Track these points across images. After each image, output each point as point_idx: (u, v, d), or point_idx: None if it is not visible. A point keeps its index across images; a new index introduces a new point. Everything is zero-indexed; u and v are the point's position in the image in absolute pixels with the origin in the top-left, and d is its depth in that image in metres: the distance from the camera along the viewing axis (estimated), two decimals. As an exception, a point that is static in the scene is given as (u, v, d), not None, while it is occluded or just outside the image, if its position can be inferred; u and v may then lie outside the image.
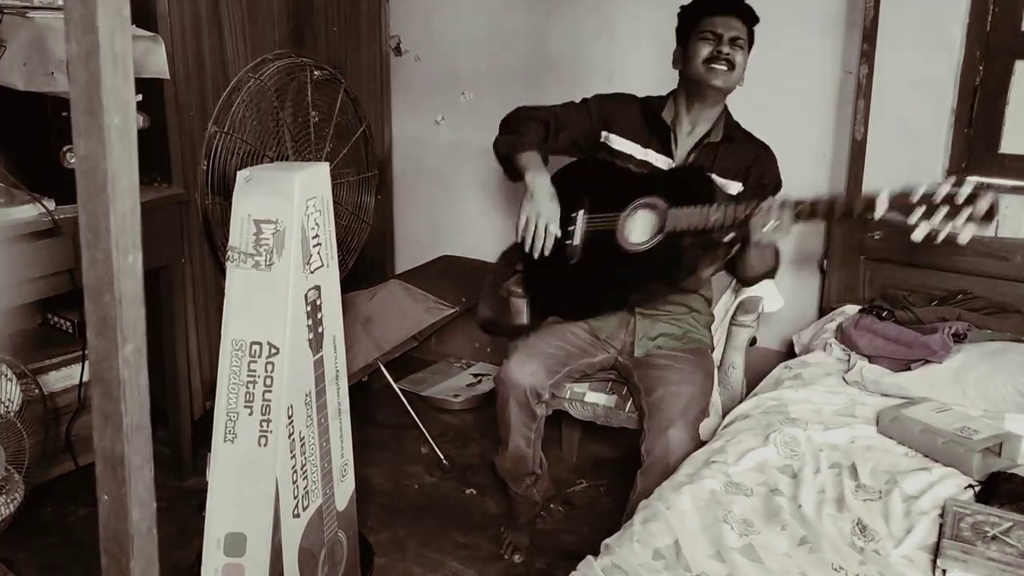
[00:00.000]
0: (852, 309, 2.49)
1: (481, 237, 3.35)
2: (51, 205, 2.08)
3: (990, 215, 1.61)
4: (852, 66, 2.56)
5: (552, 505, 2.59)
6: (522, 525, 2.40)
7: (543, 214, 2.15)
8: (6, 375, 2.22)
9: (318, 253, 1.76)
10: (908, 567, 1.44)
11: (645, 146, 2.26)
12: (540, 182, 2.18)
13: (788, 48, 2.68)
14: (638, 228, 2.13)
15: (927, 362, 2.12)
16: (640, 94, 3.09)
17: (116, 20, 0.65)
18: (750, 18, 2.18)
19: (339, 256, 2.19)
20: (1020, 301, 2.37)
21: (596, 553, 1.53)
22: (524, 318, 2.43)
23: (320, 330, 1.80)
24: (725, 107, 2.25)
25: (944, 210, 1.64)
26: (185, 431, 2.65)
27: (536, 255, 2.17)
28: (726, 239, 2.02)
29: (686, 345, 2.26)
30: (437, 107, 3.36)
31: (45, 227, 2.06)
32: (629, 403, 2.27)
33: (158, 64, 2.29)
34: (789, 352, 2.62)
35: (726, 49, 2.14)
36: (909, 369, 2.12)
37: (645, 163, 2.26)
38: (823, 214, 1.89)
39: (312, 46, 2.96)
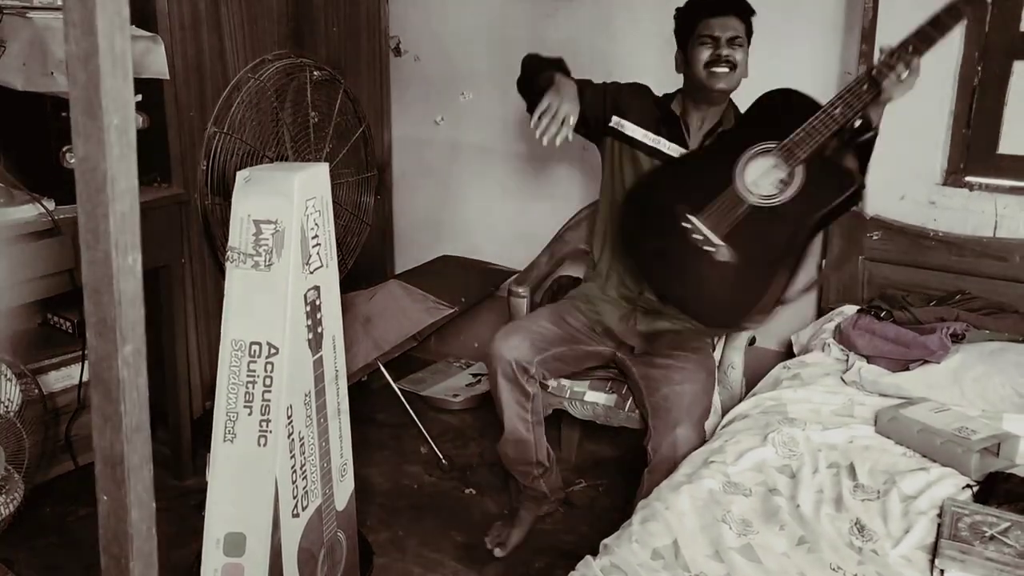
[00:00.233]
0: (851, 309, 2.49)
1: (481, 237, 3.35)
2: (51, 205, 2.08)
3: None
4: (851, 67, 2.56)
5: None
6: (521, 521, 2.38)
7: (564, 104, 2.07)
8: (6, 375, 2.22)
9: (317, 253, 1.76)
10: (906, 567, 1.44)
11: (657, 134, 2.28)
12: (567, 82, 2.16)
13: (787, 48, 2.68)
14: (762, 183, 2.03)
15: (925, 362, 2.12)
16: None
17: (115, 21, 0.65)
18: (746, 13, 2.18)
19: (339, 256, 2.19)
20: (1018, 301, 2.37)
21: (595, 553, 1.53)
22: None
23: (319, 330, 1.80)
24: (731, 104, 2.27)
25: None
26: (184, 431, 2.65)
27: (545, 141, 2.08)
28: (859, 126, 1.99)
29: (687, 343, 2.27)
30: (436, 107, 3.36)
31: (45, 227, 2.06)
32: (629, 402, 2.28)
33: (157, 64, 2.29)
34: (788, 352, 2.62)
35: (725, 52, 2.15)
36: (907, 369, 2.13)
37: (657, 151, 2.27)
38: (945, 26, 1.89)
39: (311, 46, 2.96)
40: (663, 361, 2.20)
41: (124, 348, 0.70)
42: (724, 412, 2.18)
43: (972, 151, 2.57)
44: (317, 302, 1.78)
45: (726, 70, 2.16)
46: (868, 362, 2.21)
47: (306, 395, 1.78)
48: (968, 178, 2.56)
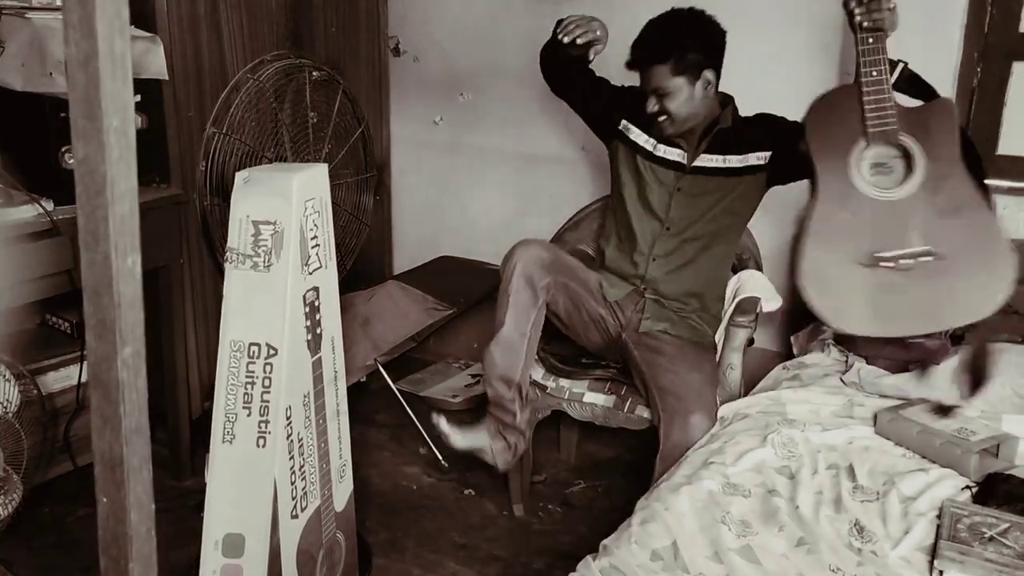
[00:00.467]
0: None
1: (479, 238, 3.35)
2: (49, 206, 2.08)
3: None
4: (850, 67, 2.56)
5: (550, 505, 2.59)
6: (479, 440, 2.26)
7: (596, 20, 2.21)
8: (4, 376, 2.22)
9: (316, 254, 1.76)
10: (905, 568, 1.44)
11: (659, 141, 2.31)
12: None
13: (786, 49, 2.68)
14: (884, 180, 1.97)
15: (925, 363, 2.12)
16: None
17: (115, 23, 0.65)
18: (676, 55, 2.15)
19: (337, 257, 2.19)
20: (1018, 302, 2.37)
21: (594, 553, 1.53)
22: None
23: (318, 331, 1.80)
24: (720, 101, 2.28)
25: None
26: (183, 432, 2.65)
27: (567, 39, 2.18)
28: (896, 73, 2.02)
29: (691, 336, 2.30)
30: (435, 108, 3.36)
31: (43, 228, 2.06)
32: (628, 403, 2.28)
33: (156, 65, 2.29)
34: (787, 353, 2.62)
35: (651, 108, 2.21)
36: (907, 370, 2.13)
37: (663, 159, 2.31)
38: None
39: (310, 47, 2.96)
40: (668, 349, 2.21)
41: (123, 350, 0.70)
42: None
43: (971, 152, 2.57)
44: (316, 303, 1.78)
45: (664, 119, 2.21)
46: (867, 363, 2.21)
47: (305, 396, 1.78)
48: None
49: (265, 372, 1.69)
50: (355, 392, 3.10)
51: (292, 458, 1.75)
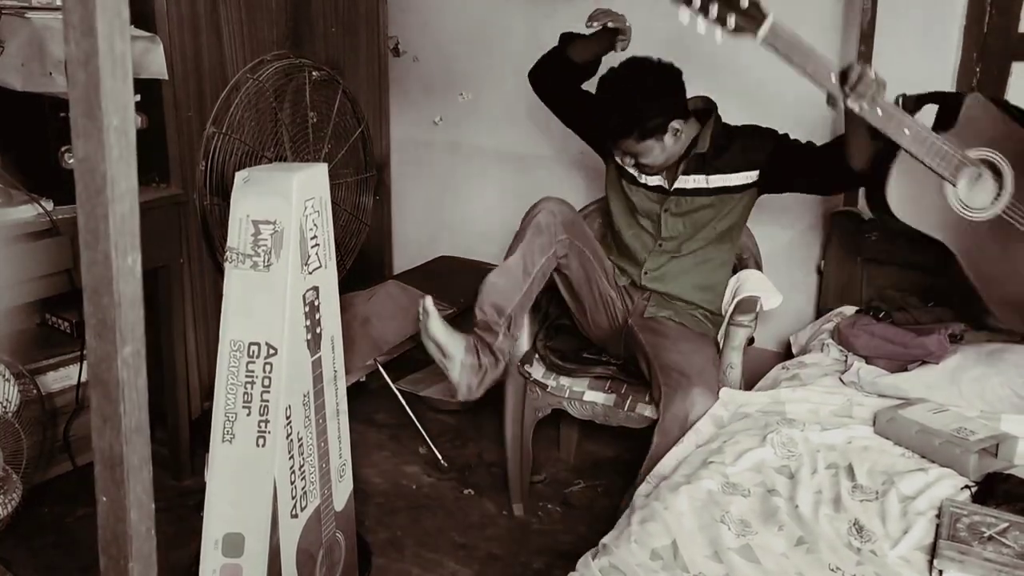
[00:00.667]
0: (850, 310, 2.49)
1: (479, 238, 3.35)
2: (49, 205, 2.08)
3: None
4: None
5: (550, 505, 2.59)
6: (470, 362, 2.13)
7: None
8: (4, 375, 2.22)
9: (316, 254, 1.76)
10: (905, 567, 1.44)
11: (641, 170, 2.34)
12: None
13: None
14: (977, 198, 1.97)
15: (924, 363, 2.12)
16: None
17: (115, 23, 0.65)
18: (637, 127, 2.16)
19: (337, 256, 2.19)
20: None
21: (595, 549, 1.53)
22: (525, 343, 2.45)
23: (318, 331, 1.80)
24: (703, 124, 2.28)
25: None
26: (183, 431, 2.65)
27: (597, 24, 2.27)
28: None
29: (695, 327, 2.33)
30: (435, 108, 3.36)
31: (43, 227, 2.06)
32: (628, 402, 2.27)
33: (156, 64, 2.29)
34: (786, 353, 2.62)
35: (630, 169, 2.27)
36: (906, 370, 2.13)
37: (646, 184, 2.33)
38: None
39: (310, 47, 2.96)
40: (671, 333, 2.24)
41: (123, 349, 0.70)
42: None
43: (970, 152, 2.57)
44: (316, 303, 1.78)
45: (643, 169, 2.26)
46: (866, 362, 2.21)
47: (305, 396, 1.78)
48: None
49: (265, 372, 1.69)
50: (355, 392, 3.10)
51: (292, 457, 1.75)
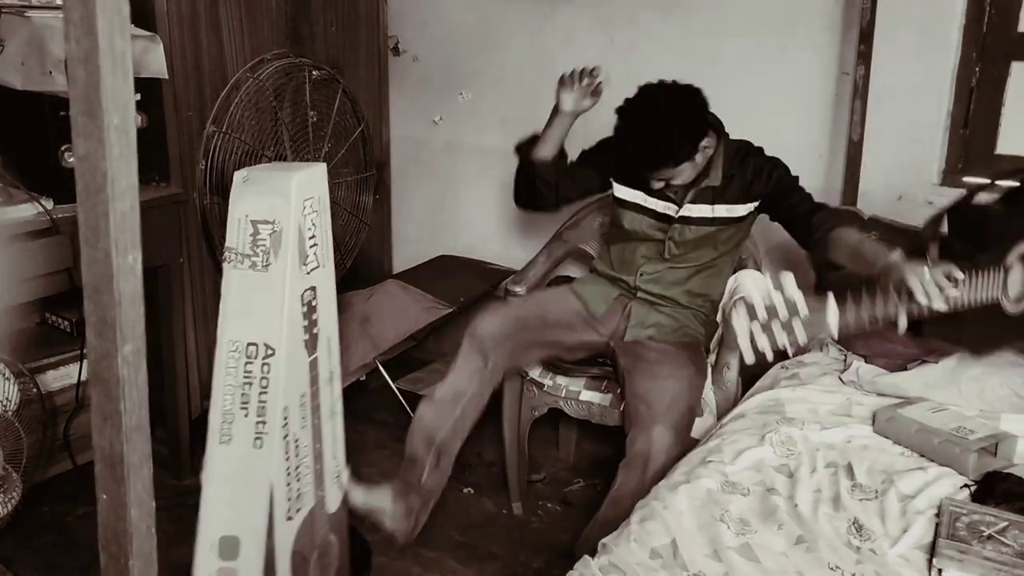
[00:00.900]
0: (849, 309, 2.49)
1: (479, 237, 3.35)
2: (49, 204, 2.08)
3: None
4: (849, 67, 2.56)
5: (549, 504, 2.60)
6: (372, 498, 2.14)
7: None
8: (4, 374, 2.22)
9: (315, 253, 1.76)
10: (904, 566, 1.44)
11: (647, 193, 2.31)
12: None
13: (785, 49, 2.68)
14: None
15: (923, 362, 2.12)
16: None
17: (115, 21, 0.65)
18: (671, 157, 2.14)
19: (337, 256, 2.20)
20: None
21: (593, 552, 1.53)
22: None
23: (315, 331, 1.79)
24: (717, 147, 2.26)
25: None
26: (183, 430, 2.65)
27: (585, 81, 2.24)
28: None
29: (679, 338, 2.27)
30: (435, 107, 3.36)
31: (43, 226, 2.06)
32: (624, 402, 2.28)
33: (156, 64, 2.29)
34: (786, 352, 2.61)
35: (659, 186, 2.22)
36: (905, 369, 2.13)
37: (653, 211, 2.31)
38: None
39: (310, 46, 2.96)
40: (651, 355, 2.18)
41: (124, 347, 0.70)
42: (721, 413, 2.18)
43: (970, 151, 2.57)
44: (314, 303, 1.77)
45: (675, 186, 2.22)
46: (865, 361, 2.21)
47: (302, 397, 1.77)
48: (966, 178, 2.56)
49: (263, 372, 1.68)
50: (354, 390, 3.10)
51: (288, 459, 1.74)
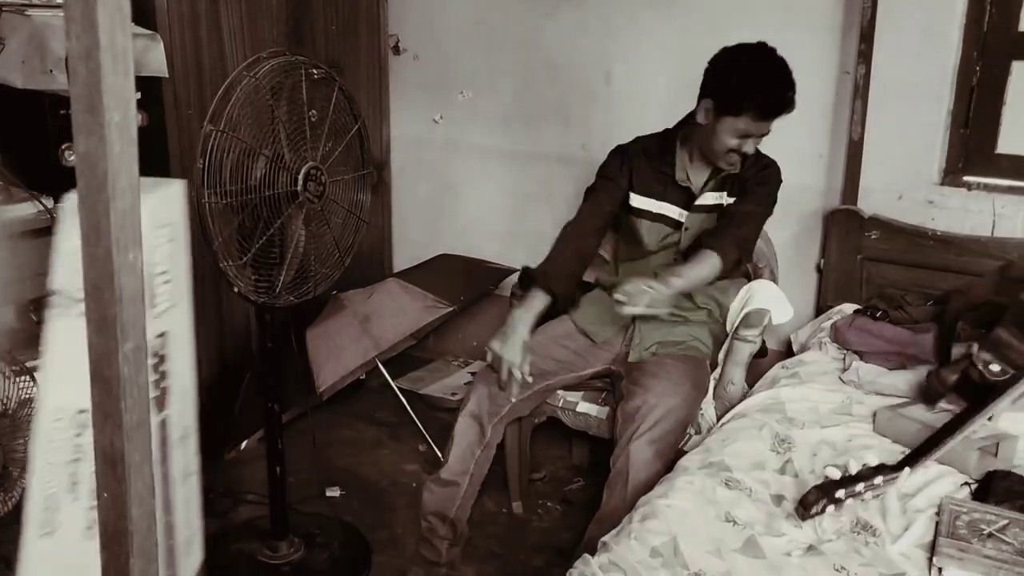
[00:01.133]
0: (849, 308, 2.49)
1: (479, 235, 3.35)
2: (50, 203, 2.08)
3: None
4: (849, 66, 2.56)
5: (549, 503, 2.59)
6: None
7: (507, 357, 2.07)
8: (3, 372, 2.21)
9: (167, 292, 1.45)
10: (906, 564, 1.45)
11: (660, 199, 2.25)
12: (520, 321, 2.11)
13: (785, 48, 2.67)
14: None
15: (921, 362, 2.12)
16: (637, 94, 3.09)
17: (116, 17, 0.65)
18: (793, 104, 2.08)
19: (336, 254, 2.19)
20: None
21: (594, 551, 1.53)
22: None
23: (165, 385, 1.48)
24: None
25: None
26: (182, 429, 2.65)
27: (504, 391, 2.10)
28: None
29: (681, 351, 2.22)
30: (435, 106, 3.36)
31: (44, 225, 2.06)
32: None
33: (157, 62, 2.29)
34: (787, 351, 2.62)
35: (750, 149, 2.10)
36: (904, 367, 2.13)
37: (661, 215, 2.25)
38: None
39: (310, 45, 2.96)
40: (649, 369, 2.13)
41: (125, 345, 0.70)
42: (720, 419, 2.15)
43: (970, 151, 2.57)
44: (163, 352, 1.46)
45: (741, 159, 2.12)
46: (862, 359, 2.20)
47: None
48: (966, 178, 2.56)
49: (96, 445, 1.32)
50: (355, 389, 3.11)
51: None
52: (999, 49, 2.49)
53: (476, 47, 3.23)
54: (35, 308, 2.66)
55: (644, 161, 2.26)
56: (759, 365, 2.33)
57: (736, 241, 2.13)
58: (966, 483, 1.68)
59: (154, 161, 2.42)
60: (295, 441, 2.63)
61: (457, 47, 3.27)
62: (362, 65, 3.25)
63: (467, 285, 2.98)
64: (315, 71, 2.10)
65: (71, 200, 1.38)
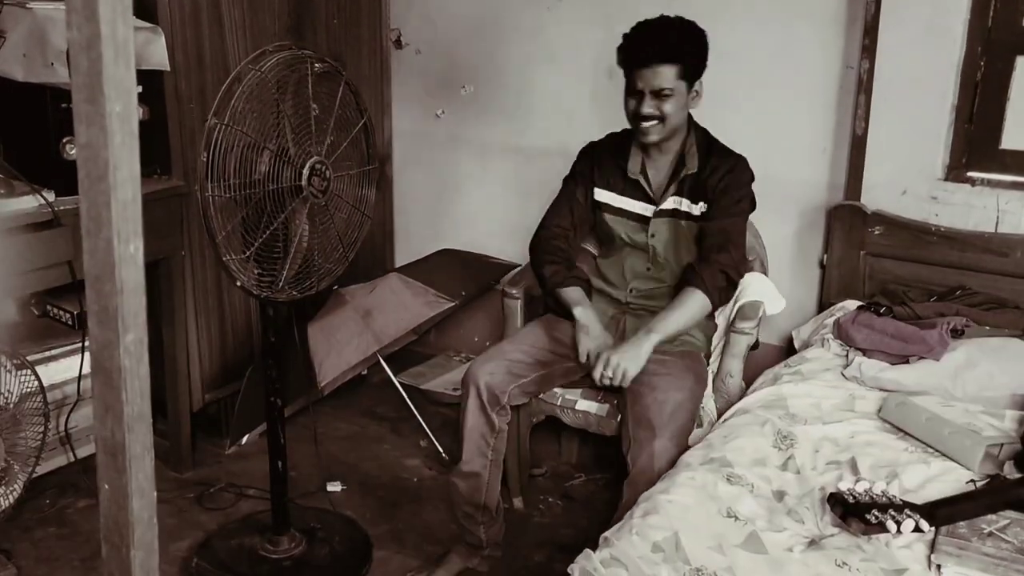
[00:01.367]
0: (852, 304, 2.48)
1: (481, 230, 3.35)
2: (51, 196, 2.08)
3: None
4: (853, 61, 2.56)
5: (551, 499, 2.59)
6: (448, 567, 2.26)
7: (597, 345, 2.12)
8: (5, 366, 2.21)
9: None
10: (909, 559, 1.44)
11: (621, 194, 2.27)
12: (586, 318, 2.17)
13: (789, 42, 2.67)
14: None
15: (923, 358, 2.11)
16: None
17: (118, 8, 0.65)
18: (684, 57, 2.08)
19: (340, 249, 2.19)
20: (1019, 297, 2.37)
21: (595, 546, 1.53)
22: (518, 321, 2.43)
23: None
24: (692, 131, 2.21)
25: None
26: (184, 423, 2.65)
27: (606, 384, 2.10)
28: None
29: (677, 348, 2.21)
30: (437, 100, 3.35)
31: (44, 218, 2.06)
32: (621, 416, 2.24)
33: (158, 55, 2.28)
34: (789, 348, 2.61)
35: (648, 109, 2.09)
36: (907, 363, 2.12)
37: (624, 211, 2.26)
38: None
39: (312, 38, 2.95)
40: (649, 367, 2.10)
41: (126, 336, 0.69)
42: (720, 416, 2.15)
43: (974, 146, 2.56)
44: None
45: (653, 123, 2.10)
46: (865, 355, 2.20)
47: None
48: (970, 173, 2.56)
49: None
50: (356, 385, 3.11)
51: None
52: (1003, 44, 2.48)
53: (478, 41, 3.22)
54: (36, 302, 2.67)
55: (608, 156, 2.29)
56: (754, 358, 2.33)
57: (720, 268, 2.14)
58: (971, 480, 1.68)
59: (156, 155, 2.42)
60: (296, 436, 2.63)
61: (459, 41, 3.26)
62: (364, 59, 3.25)
63: (469, 280, 2.98)
64: (320, 65, 2.10)
65: None
